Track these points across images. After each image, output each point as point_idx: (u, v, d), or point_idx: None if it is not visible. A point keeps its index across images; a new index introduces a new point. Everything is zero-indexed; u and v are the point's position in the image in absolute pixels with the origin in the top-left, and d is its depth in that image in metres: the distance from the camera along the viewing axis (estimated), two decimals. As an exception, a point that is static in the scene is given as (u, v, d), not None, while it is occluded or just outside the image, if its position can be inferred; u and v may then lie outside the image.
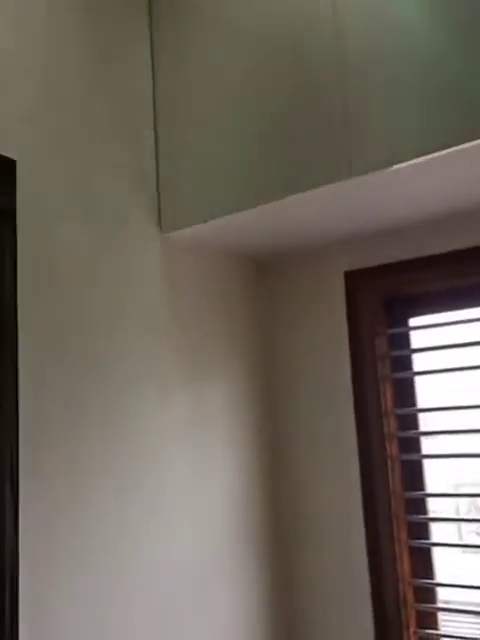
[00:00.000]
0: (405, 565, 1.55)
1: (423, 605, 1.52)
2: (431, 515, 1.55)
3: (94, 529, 1.18)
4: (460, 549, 1.58)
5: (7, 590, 1.05)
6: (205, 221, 1.41)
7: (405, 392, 1.61)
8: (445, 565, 1.55)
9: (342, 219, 1.49)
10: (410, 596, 1.54)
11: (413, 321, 1.64)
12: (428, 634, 1.52)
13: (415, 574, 1.55)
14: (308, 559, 1.67)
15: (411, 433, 1.58)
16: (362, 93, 1.20)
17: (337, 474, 1.63)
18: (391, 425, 1.59)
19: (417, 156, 1.13)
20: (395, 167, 1.15)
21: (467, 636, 1.47)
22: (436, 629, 1.52)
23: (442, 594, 1.53)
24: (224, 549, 1.49)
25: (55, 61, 1.27)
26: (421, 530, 1.56)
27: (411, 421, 1.59)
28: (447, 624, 1.52)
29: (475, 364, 1.48)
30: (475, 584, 1.47)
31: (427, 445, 1.58)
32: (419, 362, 1.60)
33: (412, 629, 1.52)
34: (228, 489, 1.53)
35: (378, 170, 1.17)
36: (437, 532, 1.57)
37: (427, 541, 1.54)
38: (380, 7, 1.19)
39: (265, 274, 1.81)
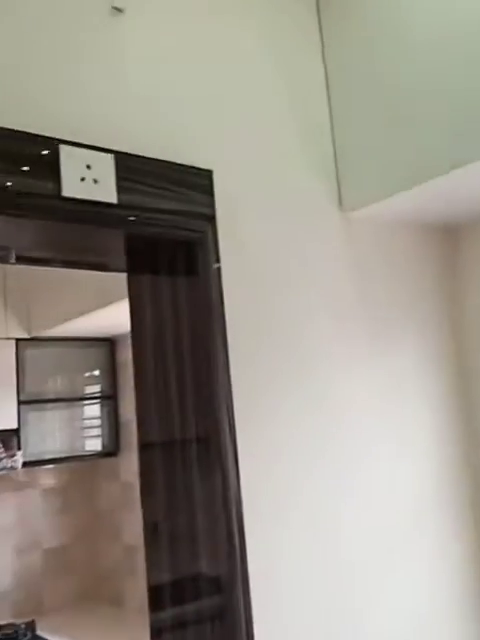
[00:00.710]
0: None
1: None
2: None
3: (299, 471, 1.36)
4: None
5: (235, 526, 1.27)
6: (391, 195, 1.48)
7: None
8: None
9: None
10: None
11: None
12: None
13: None
14: None
15: None
16: None
17: None
18: None
19: None
20: None
21: None
22: None
23: None
24: (420, 516, 1.56)
25: (240, 72, 1.44)
26: None
27: None
28: None
29: None
30: None
31: None
32: None
33: None
34: (424, 456, 1.59)
35: None
36: None
37: None
38: None
39: (453, 242, 1.80)
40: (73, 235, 1.31)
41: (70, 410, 3.09)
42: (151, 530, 1.46)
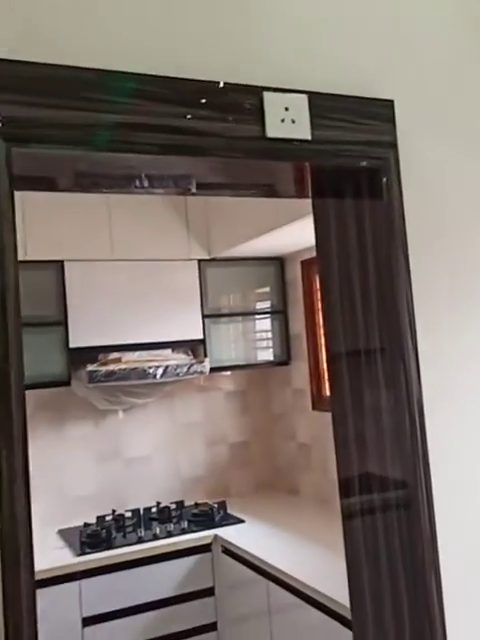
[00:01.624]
0: None
1: None
2: None
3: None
4: None
5: (418, 429, 1.46)
6: None
7: None
8: None
9: None
10: None
11: None
12: None
13: None
14: None
15: None
16: None
17: None
18: None
19: None
20: None
21: None
22: None
23: None
24: None
25: (420, 4, 1.50)
26: None
27: None
28: None
29: None
30: None
31: None
32: None
33: None
34: None
35: None
36: None
37: None
38: None
39: None
40: (266, 169, 1.50)
41: (244, 324, 3.42)
42: (340, 431, 1.65)
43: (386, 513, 1.55)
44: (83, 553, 2.69)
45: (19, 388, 1.04)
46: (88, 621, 2.62)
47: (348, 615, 1.71)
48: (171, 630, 2.73)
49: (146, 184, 1.44)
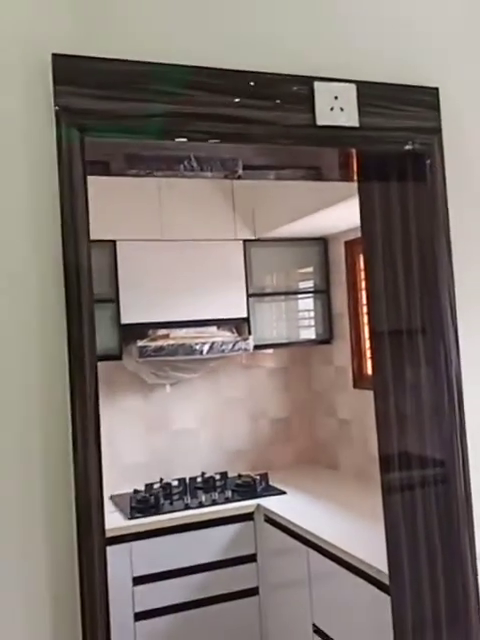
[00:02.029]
0: None
1: None
2: None
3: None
4: None
5: (456, 408, 1.53)
6: None
7: None
8: None
9: None
10: None
11: None
12: None
13: None
14: None
15: None
16: None
17: None
18: None
19: None
20: None
21: None
22: None
23: None
24: None
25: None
26: None
27: None
28: None
29: None
30: None
31: None
32: None
33: None
34: None
35: None
36: None
37: None
38: None
39: None
40: (313, 155, 1.57)
41: (287, 303, 3.50)
42: (382, 408, 1.70)
43: (424, 488, 1.64)
44: (133, 517, 2.85)
45: (92, 358, 1.16)
46: (137, 580, 2.78)
47: (386, 581, 1.81)
48: (215, 593, 2.88)
49: (195, 165, 1.53)
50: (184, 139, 1.31)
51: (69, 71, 1.17)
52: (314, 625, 2.54)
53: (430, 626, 1.63)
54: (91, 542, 1.22)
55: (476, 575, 1.55)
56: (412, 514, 1.66)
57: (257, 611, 2.96)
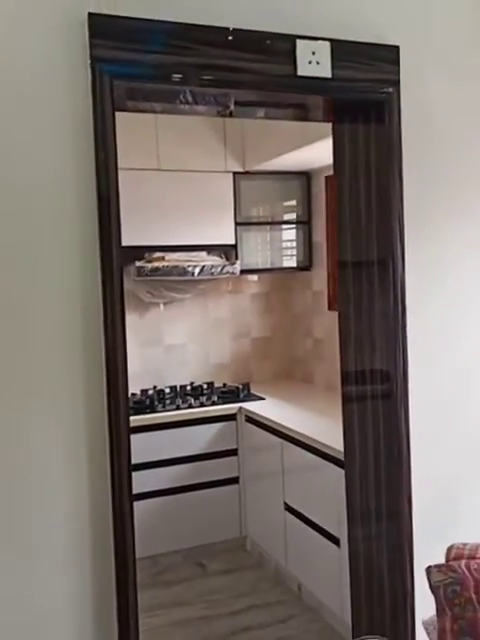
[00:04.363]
0: None
1: None
2: None
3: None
4: None
5: (400, 333, 1.92)
6: None
7: None
8: None
9: None
10: None
11: None
12: None
13: None
14: None
15: None
16: None
17: None
18: None
19: None
20: None
21: None
22: None
23: None
24: None
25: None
26: None
27: None
28: None
29: None
30: None
31: None
32: None
33: None
34: None
35: None
36: None
37: None
38: None
39: None
40: (295, 99, 1.89)
41: (272, 232, 3.84)
42: (344, 331, 2.05)
43: (374, 401, 2.02)
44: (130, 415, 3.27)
45: (119, 268, 1.54)
46: (134, 467, 3.22)
47: (342, 458, 2.23)
48: (201, 480, 3.35)
49: (190, 99, 1.79)
50: (189, 86, 1.62)
51: (101, 27, 1.47)
52: (285, 503, 3.02)
53: (373, 494, 2.06)
54: (118, 403, 1.59)
55: (409, 470, 1.96)
56: (363, 418, 2.05)
57: (237, 496, 3.44)
